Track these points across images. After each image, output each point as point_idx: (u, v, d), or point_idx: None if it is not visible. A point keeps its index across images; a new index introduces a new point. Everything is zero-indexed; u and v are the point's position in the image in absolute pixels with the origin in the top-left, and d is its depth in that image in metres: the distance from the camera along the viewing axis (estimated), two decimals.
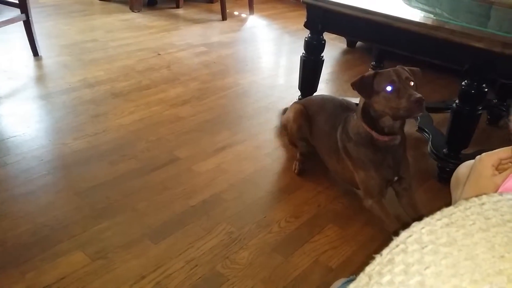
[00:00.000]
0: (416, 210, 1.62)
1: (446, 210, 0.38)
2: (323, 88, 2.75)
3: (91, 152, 1.96)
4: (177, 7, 4.27)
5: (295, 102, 2.04)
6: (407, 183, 1.66)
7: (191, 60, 3.09)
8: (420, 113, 1.52)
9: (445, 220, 0.36)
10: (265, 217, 1.68)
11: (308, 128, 1.90)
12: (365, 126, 1.59)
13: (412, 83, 1.50)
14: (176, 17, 4.07)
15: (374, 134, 1.58)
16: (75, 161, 1.90)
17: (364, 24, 1.91)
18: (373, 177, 1.60)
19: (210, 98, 2.56)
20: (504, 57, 1.61)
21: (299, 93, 2.35)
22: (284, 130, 2.04)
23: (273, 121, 2.35)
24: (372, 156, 1.60)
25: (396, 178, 1.64)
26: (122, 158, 1.94)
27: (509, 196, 0.39)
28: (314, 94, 2.31)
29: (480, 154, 2.04)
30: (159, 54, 3.12)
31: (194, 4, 4.47)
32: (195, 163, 1.96)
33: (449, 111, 2.35)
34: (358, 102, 1.72)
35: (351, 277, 1.04)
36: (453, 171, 1.88)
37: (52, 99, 2.39)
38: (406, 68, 1.57)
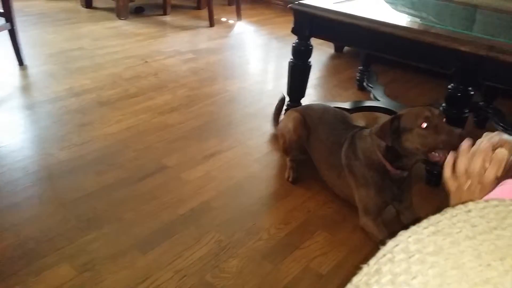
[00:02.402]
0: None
1: (433, 218, 0.37)
2: (312, 93, 2.75)
3: (78, 162, 1.93)
4: (165, 14, 4.26)
5: (292, 110, 2.01)
6: (408, 202, 1.67)
7: (179, 67, 3.08)
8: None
9: (432, 229, 0.35)
10: (254, 224, 1.66)
11: (306, 137, 1.89)
12: (381, 157, 1.57)
13: (444, 119, 1.47)
14: (164, 24, 4.06)
15: (388, 166, 1.57)
16: (61, 171, 1.87)
17: (351, 30, 1.91)
18: (373, 198, 1.60)
19: (199, 105, 2.55)
20: (489, 60, 1.62)
21: (288, 98, 2.34)
22: (280, 138, 2.00)
23: (261, 127, 2.34)
24: (378, 180, 1.60)
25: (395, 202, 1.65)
26: (109, 168, 1.92)
27: (494, 203, 0.38)
28: (302, 99, 2.31)
29: None
30: (147, 62, 3.10)
31: (181, 10, 4.46)
32: (183, 171, 1.94)
33: None
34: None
35: None
36: (441, 174, 1.89)
37: (38, 108, 2.36)
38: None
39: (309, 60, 2.17)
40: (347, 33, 1.97)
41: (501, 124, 2.29)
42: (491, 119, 2.38)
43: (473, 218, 0.35)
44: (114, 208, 1.68)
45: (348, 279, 0.33)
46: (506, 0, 2.92)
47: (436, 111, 1.47)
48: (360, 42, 2.02)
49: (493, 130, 2.53)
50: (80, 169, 1.89)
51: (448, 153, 1.43)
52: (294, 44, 2.15)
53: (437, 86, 2.89)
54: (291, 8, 2.07)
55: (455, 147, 1.41)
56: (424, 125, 1.44)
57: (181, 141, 2.17)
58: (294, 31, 2.12)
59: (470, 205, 0.37)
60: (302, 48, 2.13)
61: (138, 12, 4.23)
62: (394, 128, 1.49)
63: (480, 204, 0.37)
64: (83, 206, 1.67)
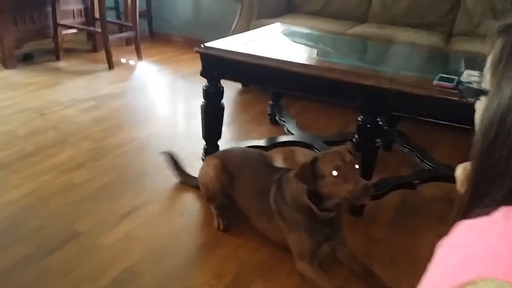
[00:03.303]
0: (356, 259, 1.63)
1: None
2: (225, 131, 2.70)
3: None
4: (57, 59, 4.00)
5: (211, 157, 1.95)
6: (341, 238, 1.67)
7: (79, 117, 2.87)
8: (367, 200, 1.50)
9: None
10: (185, 285, 1.55)
11: (230, 184, 1.83)
12: (307, 200, 1.56)
13: (357, 166, 1.49)
14: (57, 70, 3.80)
15: (314, 208, 1.55)
16: None
17: (259, 70, 1.91)
18: (306, 241, 1.58)
19: (106, 158, 2.38)
20: (391, 92, 1.71)
21: (203, 141, 2.27)
22: (202, 187, 1.92)
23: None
24: (308, 223, 1.58)
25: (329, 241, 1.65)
26: (11, 243, 1.68)
27: None
28: (219, 140, 2.26)
29: (384, 182, 2.13)
30: (43, 114, 2.85)
31: (75, 54, 4.22)
32: (98, 235, 1.77)
33: (346, 142, 2.46)
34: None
35: None
36: (362, 204, 1.94)
37: None
38: (349, 149, 1.57)
39: (222, 101, 2.14)
40: (256, 74, 1.98)
41: (406, 146, 2.44)
42: (396, 141, 2.53)
43: None
44: None
45: None
46: (395, 31, 3.18)
47: (348, 158, 1.49)
48: (269, 82, 2.04)
49: (399, 152, 2.66)
50: None
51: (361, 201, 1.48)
52: (204, 87, 2.10)
53: (344, 113, 3.04)
54: (197, 52, 2.02)
55: (358, 198, 1.46)
56: (335, 173, 1.46)
57: (92, 202, 1.99)
58: (202, 74, 2.08)
59: None
60: (213, 90, 2.09)
61: (27, 59, 3.91)
62: (313, 171, 1.50)
63: None
64: None
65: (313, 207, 1.55)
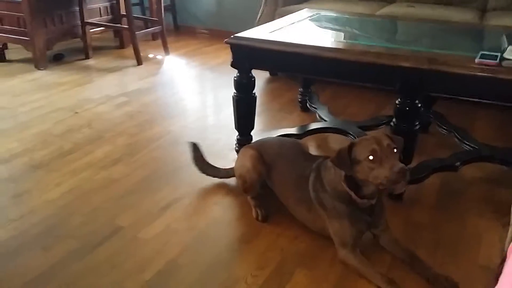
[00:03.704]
0: (399, 244, 1.60)
1: None
2: (257, 121, 2.68)
3: (20, 240, 1.72)
4: (87, 58, 4.06)
5: (247, 148, 1.94)
6: (384, 225, 1.64)
7: (112, 114, 2.91)
8: (404, 184, 1.45)
9: None
10: (229, 275, 1.56)
11: (267, 174, 1.83)
12: (346, 187, 1.54)
13: (395, 151, 1.45)
14: (88, 68, 3.86)
15: (353, 196, 1.53)
16: (1, 254, 1.65)
17: (292, 58, 1.88)
18: (348, 229, 1.55)
19: (142, 153, 2.41)
20: (431, 72, 1.65)
21: (235, 132, 2.27)
22: (239, 179, 1.91)
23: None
24: (348, 211, 1.56)
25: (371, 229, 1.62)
26: (57, 240, 1.72)
27: None
28: (253, 131, 2.25)
29: (424, 165, 2.07)
30: (77, 112, 2.91)
31: (104, 52, 4.28)
32: (140, 229, 1.79)
33: (381, 127, 2.41)
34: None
35: None
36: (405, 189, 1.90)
37: None
38: (388, 134, 1.53)
39: (254, 91, 2.13)
40: (289, 62, 1.94)
41: (444, 127, 2.37)
42: (433, 123, 2.46)
43: None
44: (70, 287, 1.50)
45: None
46: (426, 9, 3.08)
47: (386, 142, 1.44)
48: (303, 69, 2.00)
49: (436, 134, 2.60)
50: (24, 248, 1.68)
51: (401, 186, 1.42)
52: (235, 78, 2.09)
53: (375, 97, 2.98)
54: (227, 43, 2.01)
55: (394, 183, 1.41)
56: (371, 158, 1.43)
57: (132, 196, 2.02)
58: (233, 65, 2.06)
59: None
60: (244, 81, 2.08)
61: (58, 59, 4.00)
62: (350, 157, 1.48)
63: None
64: None
65: (352, 194, 1.53)
